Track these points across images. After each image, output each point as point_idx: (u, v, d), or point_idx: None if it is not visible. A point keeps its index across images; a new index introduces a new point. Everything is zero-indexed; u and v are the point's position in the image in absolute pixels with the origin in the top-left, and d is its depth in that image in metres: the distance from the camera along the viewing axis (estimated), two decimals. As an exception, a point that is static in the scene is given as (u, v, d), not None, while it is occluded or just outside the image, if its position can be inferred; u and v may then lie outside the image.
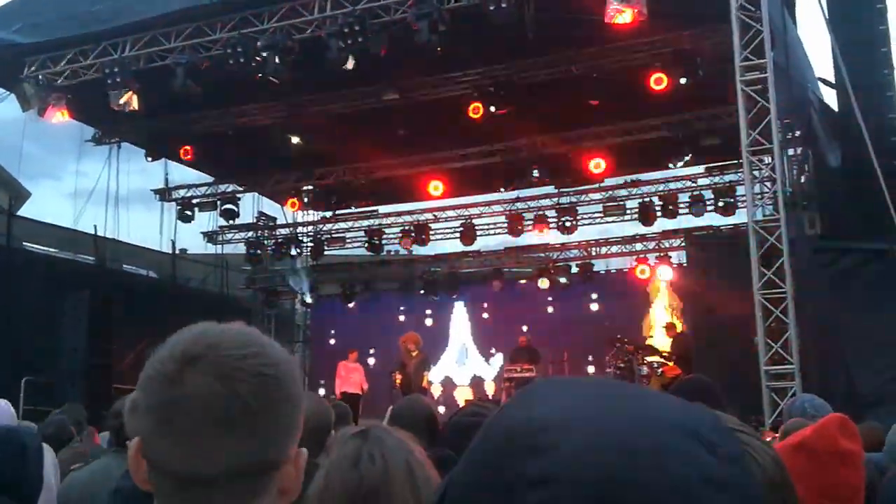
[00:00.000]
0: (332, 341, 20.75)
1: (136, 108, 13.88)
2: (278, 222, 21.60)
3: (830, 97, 12.95)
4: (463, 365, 19.85)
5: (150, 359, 1.13)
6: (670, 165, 17.40)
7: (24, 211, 20.66)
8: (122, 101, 13.72)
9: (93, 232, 17.32)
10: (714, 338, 13.23)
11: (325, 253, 21.37)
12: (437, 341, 19.34)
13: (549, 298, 19.50)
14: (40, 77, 14.27)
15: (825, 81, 13.17)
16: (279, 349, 1.17)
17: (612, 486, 0.55)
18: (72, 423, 5.82)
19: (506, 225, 19.67)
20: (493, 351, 19.62)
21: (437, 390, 19.20)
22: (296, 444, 1.16)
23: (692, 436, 0.59)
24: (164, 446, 1.08)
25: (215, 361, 1.09)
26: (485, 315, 20.37)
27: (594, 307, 19.01)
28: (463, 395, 18.76)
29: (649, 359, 14.34)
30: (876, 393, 10.67)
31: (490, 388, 19.17)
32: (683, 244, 17.67)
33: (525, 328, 17.98)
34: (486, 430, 0.65)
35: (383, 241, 20.94)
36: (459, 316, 20.56)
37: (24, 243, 16.40)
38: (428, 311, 20.57)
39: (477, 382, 19.32)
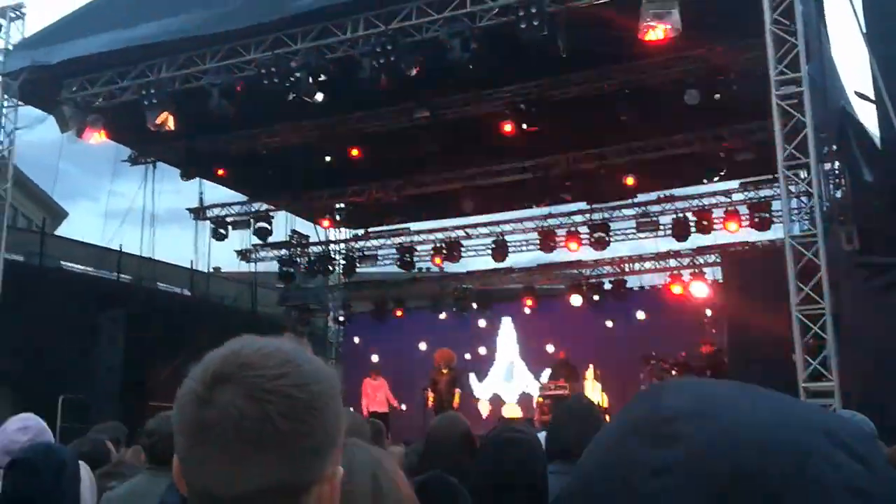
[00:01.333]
0: (366, 358, 20.78)
1: (172, 128, 14.05)
2: (311, 240, 21.72)
3: (865, 111, 12.82)
4: (510, 381, 19.70)
5: (185, 377, 1.14)
6: (704, 181, 17.27)
7: (62, 230, 21.00)
8: (158, 121, 13.88)
9: (128, 251, 17.53)
10: (750, 355, 13.06)
11: (358, 270, 21.44)
12: (473, 357, 19.28)
13: (582, 315, 19.37)
14: (78, 99, 14.49)
15: (862, 95, 13.02)
16: (316, 367, 1.17)
17: (741, 481, 0.53)
18: (111, 441, 5.85)
19: (538, 241, 19.61)
20: (538, 367, 19.49)
21: (485, 407, 19.12)
22: (333, 463, 1.15)
23: (835, 440, 0.56)
24: (195, 466, 1.10)
25: (244, 382, 1.09)
26: (520, 331, 20.30)
27: (628, 324, 18.86)
28: (511, 412, 18.63)
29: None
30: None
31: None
32: (718, 260, 17.50)
33: (551, 346, 17.93)
34: (614, 419, 0.65)
35: (415, 258, 20.97)
36: (507, 332, 20.44)
37: (61, 262, 16.62)
38: (462, 328, 20.51)
39: (526, 399, 19.12)
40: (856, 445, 0.57)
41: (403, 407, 16.31)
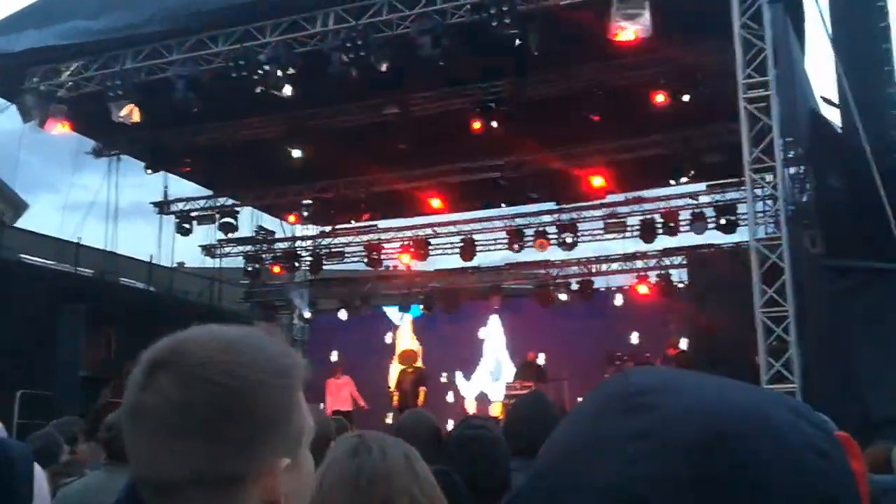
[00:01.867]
0: (332, 356, 20.65)
1: (137, 120, 13.86)
2: (277, 236, 21.55)
3: (832, 116, 12.95)
4: (498, 380, 19.60)
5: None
6: (672, 182, 17.36)
7: (23, 223, 20.62)
8: (122, 113, 13.69)
9: (90, 245, 17.28)
10: (715, 356, 13.15)
11: (324, 267, 21.30)
12: (436, 356, 19.23)
13: (548, 315, 19.40)
14: (42, 88, 14.24)
15: (828, 101, 13.16)
16: (263, 356, 1.12)
17: (715, 441, 0.56)
18: (64, 437, 5.73)
19: (506, 241, 19.62)
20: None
21: (471, 406, 19.03)
22: (274, 455, 1.10)
23: (794, 410, 0.61)
24: (131, 450, 1.11)
25: (176, 369, 1.08)
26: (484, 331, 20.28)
27: (594, 325, 18.92)
28: (498, 411, 18.55)
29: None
30: (881, 412, 10.60)
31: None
32: (684, 262, 17.60)
33: (519, 346, 17.96)
34: (584, 399, 0.67)
35: (382, 256, 20.89)
36: (494, 330, 20.36)
37: (21, 255, 16.33)
38: (426, 326, 20.47)
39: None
40: (814, 417, 0.61)
41: (365, 406, 16.20)
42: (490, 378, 19.82)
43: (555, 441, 0.67)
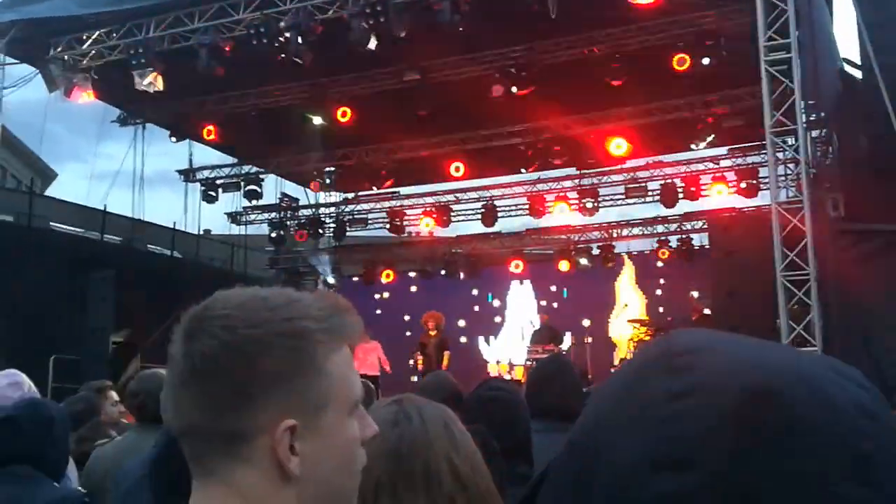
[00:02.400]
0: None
1: (161, 88, 13.97)
2: (301, 203, 21.71)
3: (856, 76, 12.81)
4: (520, 345, 19.58)
5: None
6: (693, 147, 17.28)
7: (51, 191, 20.89)
8: (146, 81, 13.81)
9: (117, 212, 17.50)
10: (736, 320, 13.16)
11: (347, 234, 21.45)
12: (464, 320, 19.33)
13: (571, 279, 19.44)
14: (66, 58, 14.38)
15: (850, 62, 13.03)
16: (272, 315, 1.12)
17: (762, 396, 0.55)
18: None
19: (527, 207, 19.65)
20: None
21: (493, 370, 19.15)
22: (277, 415, 1.09)
23: (838, 371, 0.60)
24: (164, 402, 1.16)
25: (189, 323, 1.13)
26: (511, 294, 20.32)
27: (615, 289, 18.95)
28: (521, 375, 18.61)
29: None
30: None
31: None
32: (705, 226, 17.56)
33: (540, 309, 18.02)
34: (626, 363, 0.67)
35: (405, 223, 21.00)
36: (516, 295, 20.33)
37: (50, 223, 16.58)
38: (452, 292, 20.56)
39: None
40: (855, 375, 0.61)
41: (388, 370, 16.36)
42: (512, 343, 19.87)
43: (592, 407, 0.65)
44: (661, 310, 17.85)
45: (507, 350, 19.58)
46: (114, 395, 5.90)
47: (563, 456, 0.66)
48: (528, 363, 15.49)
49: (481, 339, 20.00)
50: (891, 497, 0.53)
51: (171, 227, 19.36)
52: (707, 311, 15.60)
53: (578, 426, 0.65)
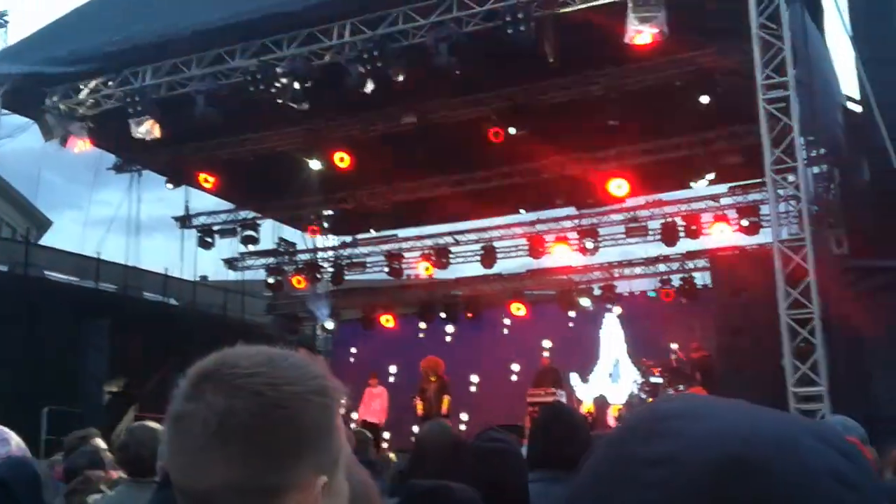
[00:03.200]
0: (354, 366, 20.64)
1: (158, 136, 13.96)
2: (298, 248, 21.63)
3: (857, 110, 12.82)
4: (617, 382, 19.18)
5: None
6: (692, 185, 17.24)
7: (46, 240, 20.84)
8: (142, 129, 13.80)
9: (112, 260, 17.42)
10: (740, 360, 13.03)
11: (346, 278, 21.34)
12: (462, 364, 19.10)
13: (572, 321, 19.27)
14: (62, 107, 14.37)
15: (850, 98, 13.04)
16: (301, 374, 1.15)
17: (735, 465, 0.55)
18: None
19: (526, 247, 19.56)
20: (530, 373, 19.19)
21: (586, 410, 18.72)
22: (312, 471, 1.13)
23: (821, 438, 0.59)
24: (173, 460, 1.14)
25: (221, 379, 1.12)
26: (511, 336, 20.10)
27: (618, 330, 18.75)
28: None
29: (676, 384, 14.13)
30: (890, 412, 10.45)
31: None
32: (707, 265, 17.46)
33: (546, 351, 17.78)
34: (619, 424, 0.70)
35: (403, 266, 20.89)
36: (611, 329, 20.04)
37: (45, 272, 16.48)
38: (449, 334, 20.41)
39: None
40: (838, 443, 0.60)
41: (384, 417, 16.14)
42: (609, 381, 19.39)
43: (586, 469, 0.67)
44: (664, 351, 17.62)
45: (601, 388, 19.12)
46: (99, 441, 5.82)
47: None
48: (530, 408, 15.30)
49: (575, 375, 19.54)
50: None
51: (169, 274, 19.25)
52: (706, 351, 15.47)
53: (578, 483, 0.66)
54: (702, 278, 18.20)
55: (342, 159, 16.55)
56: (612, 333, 19.45)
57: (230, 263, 20.98)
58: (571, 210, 19.00)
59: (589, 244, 18.63)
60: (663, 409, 0.64)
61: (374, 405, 16.10)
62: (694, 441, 0.58)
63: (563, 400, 14.64)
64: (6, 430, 4.33)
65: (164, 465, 2.50)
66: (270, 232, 20.83)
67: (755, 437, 0.57)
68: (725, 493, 0.55)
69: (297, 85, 12.74)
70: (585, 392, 18.47)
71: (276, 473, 1.11)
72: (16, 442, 4.31)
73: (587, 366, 17.00)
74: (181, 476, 1.11)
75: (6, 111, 14.96)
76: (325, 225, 20.17)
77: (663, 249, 18.64)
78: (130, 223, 17.49)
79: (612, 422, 15.70)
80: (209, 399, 1.10)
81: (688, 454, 0.58)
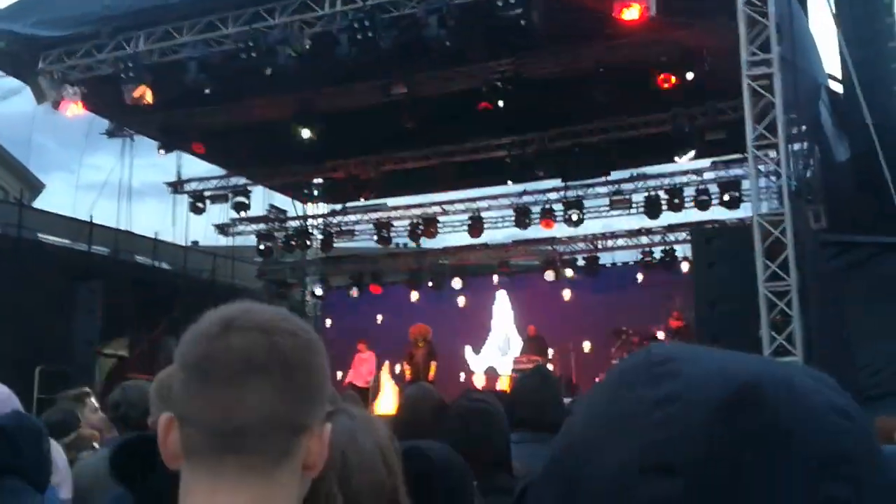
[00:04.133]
0: (342, 332, 20.90)
1: (150, 101, 14.04)
2: (288, 215, 21.79)
3: (839, 90, 13.02)
4: (506, 355, 19.71)
5: (186, 332, 1.18)
6: (676, 159, 17.48)
7: (39, 202, 20.88)
8: (135, 94, 13.88)
9: (105, 224, 17.53)
10: (717, 330, 13.30)
11: (335, 245, 21.54)
12: (451, 331, 19.43)
13: (556, 291, 19.58)
14: (55, 71, 14.44)
15: (832, 77, 13.23)
16: (310, 327, 1.22)
17: (743, 399, 0.57)
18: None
19: (513, 218, 19.80)
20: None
21: (480, 381, 19.21)
22: (320, 416, 1.17)
23: (811, 376, 0.62)
24: (200, 401, 1.11)
25: (254, 321, 1.14)
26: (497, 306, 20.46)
27: (600, 300, 19.09)
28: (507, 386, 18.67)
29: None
30: (880, 387, 10.74)
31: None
32: (689, 237, 17.75)
33: (526, 321, 18.15)
34: (605, 376, 0.68)
35: (392, 234, 21.10)
36: (502, 304, 20.48)
37: (38, 234, 16.59)
38: (437, 302, 20.65)
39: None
40: (827, 379, 0.63)
41: (370, 379, 16.45)
42: (498, 353, 20.00)
43: (576, 417, 0.66)
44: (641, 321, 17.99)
45: (492, 360, 19.74)
46: (93, 401, 5.86)
47: (548, 465, 0.66)
48: (514, 374, 15.60)
49: (468, 348, 20.10)
50: (869, 489, 0.56)
51: (159, 239, 19.37)
52: (685, 321, 15.77)
53: (562, 436, 0.66)
54: (682, 251, 18.50)
55: (333, 128, 16.67)
56: (501, 309, 19.97)
57: (221, 229, 21.12)
58: (557, 182, 19.22)
59: (574, 216, 18.88)
60: (658, 352, 0.64)
61: (362, 369, 16.40)
62: (696, 380, 0.59)
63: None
64: (5, 388, 4.48)
65: (154, 423, 2.47)
66: (261, 199, 21.00)
67: (755, 376, 0.59)
68: (732, 427, 0.56)
69: (288, 53, 12.86)
70: (477, 364, 19.00)
71: (304, 412, 1.13)
72: (8, 395, 4.46)
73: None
74: (211, 413, 1.10)
75: (-1, 73, 15.01)
76: (315, 193, 20.33)
77: (646, 222, 18.92)
78: (121, 188, 17.62)
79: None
80: (248, 337, 1.11)
81: (693, 392, 0.58)
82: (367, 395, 15.48)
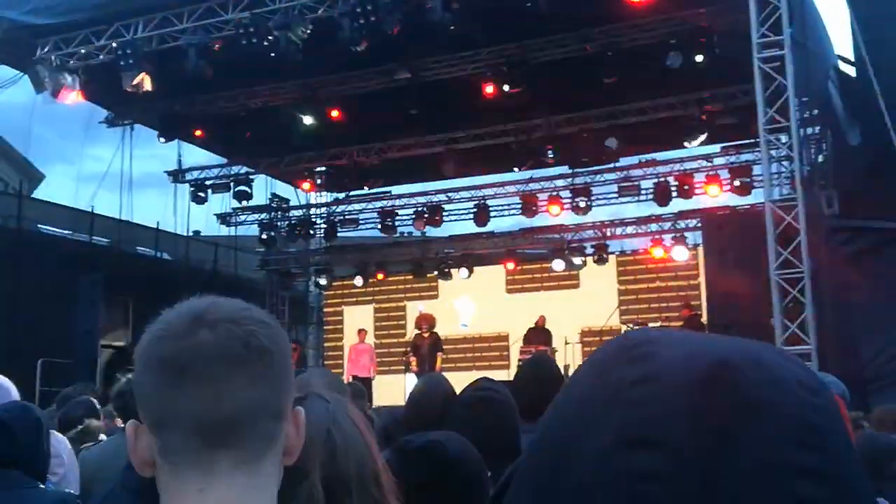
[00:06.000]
0: (347, 322, 20.76)
1: (149, 89, 13.85)
2: (291, 204, 21.60)
3: (851, 73, 12.79)
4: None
5: (147, 331, 1.14)
6: (686, 145, 17.23)
7: (38, 193, 20.75)
8: (134, 82, 13.68)
9: (105, 214, 17.40)
10: (729, 318, 13.14)
11: (339, 234, 21.34)
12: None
13: (563, 279, 19.38)
14: (53, 59, 14.25)
15: (843, 59, 13.00)
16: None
17: (717, 376, 0.59)
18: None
19: (520, 206, 19.56)
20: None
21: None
22: (291, 401, 1.19)
23: (779, 353, 0.65)
24: (179, 400, 1.09)
25: (223, 311, 1.13)
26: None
27: (609, 288, 18.90)
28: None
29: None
30: (888, 373, 10.60)
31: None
32: (699, 224, 17.52)
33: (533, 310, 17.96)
34: (583, 362, 0.70)
35: (396, 223, 20.89)
36: (507, 294, 20.27)
37: (39, 225, 16.47)
38: (442, 292, 20.49)
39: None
40: (793, 357, 0.65)
41: (373, 370, 16.34)
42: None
43: (560, 400, 0.68)
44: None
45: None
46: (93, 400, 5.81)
47: (531, 449, 0.68)
48: (521, 363, 15.43)
49: None
50: (835, 458, 0.59)
51: (161, 229, 19.23)
52: (696, 310, 15.61)
53: (548, 419, 0.67)
54: (693, 238, 18.26)
55: (336, 115, 16.48)
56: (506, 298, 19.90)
57: (223, 219, 20.94)
58: (565, 169, 18.99)
59: (581, 203, 18.65)
60: (634, 337, 0.66)
61: (363, 360, 16.26)
62: (672, 360, 0.62)
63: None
64: (5, 379, 4.38)
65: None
66: (264, 188, 20.82)
67: (727, 355, 0.61)
68: (711, 401, 0.58)
69: (289, 38, 12.65)
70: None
71: (283, 398, 1.15)
72: (9, 387, 4.38)
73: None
74: (194, 411, 1.08)
75: (-3, 63, 14.83)
76: (319, 181, 20.13)
77: (655, 209, 18.67)
78: (123, 177, 17.44)
79: None
80: (220, 329, 1.10)
81: (668, 371, 0.61)
82: (370, 385, 15.31)
